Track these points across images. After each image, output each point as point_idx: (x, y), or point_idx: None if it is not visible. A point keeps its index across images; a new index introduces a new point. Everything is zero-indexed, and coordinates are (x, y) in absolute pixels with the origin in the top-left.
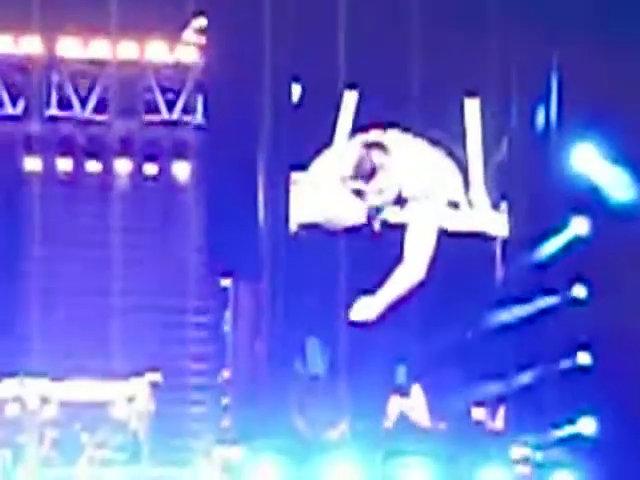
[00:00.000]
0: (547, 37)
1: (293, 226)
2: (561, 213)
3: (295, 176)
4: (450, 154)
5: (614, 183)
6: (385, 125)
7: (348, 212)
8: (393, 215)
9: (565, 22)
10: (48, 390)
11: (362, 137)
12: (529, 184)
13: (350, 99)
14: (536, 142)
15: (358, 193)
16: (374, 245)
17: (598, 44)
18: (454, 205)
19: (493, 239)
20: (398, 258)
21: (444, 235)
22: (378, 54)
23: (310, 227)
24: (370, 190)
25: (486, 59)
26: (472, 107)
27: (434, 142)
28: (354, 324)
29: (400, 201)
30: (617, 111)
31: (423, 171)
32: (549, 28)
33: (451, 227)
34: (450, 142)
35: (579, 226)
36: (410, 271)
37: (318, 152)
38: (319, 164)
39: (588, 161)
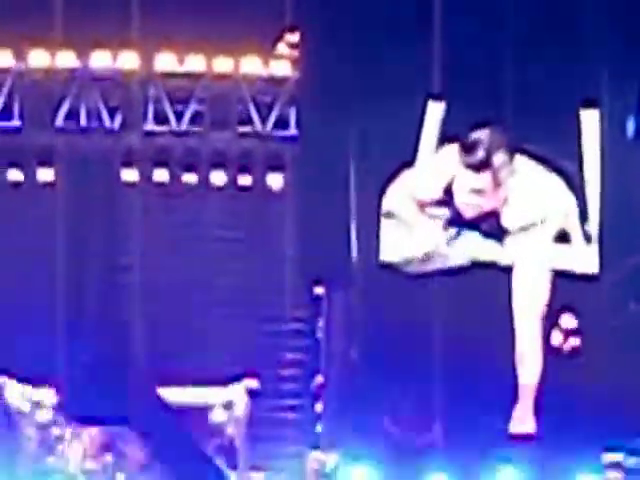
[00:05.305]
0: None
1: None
2: None
3: None
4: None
5: None
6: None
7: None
8: (490, 252)
9: None
10: None
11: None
12: (621, 199)
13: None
14: (628, 155)
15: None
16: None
17: None
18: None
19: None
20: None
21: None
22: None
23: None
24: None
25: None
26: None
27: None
28: None
29: (498, 233)
30: None
31: (530, 198)
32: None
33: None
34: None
35: None
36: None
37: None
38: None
39: None
